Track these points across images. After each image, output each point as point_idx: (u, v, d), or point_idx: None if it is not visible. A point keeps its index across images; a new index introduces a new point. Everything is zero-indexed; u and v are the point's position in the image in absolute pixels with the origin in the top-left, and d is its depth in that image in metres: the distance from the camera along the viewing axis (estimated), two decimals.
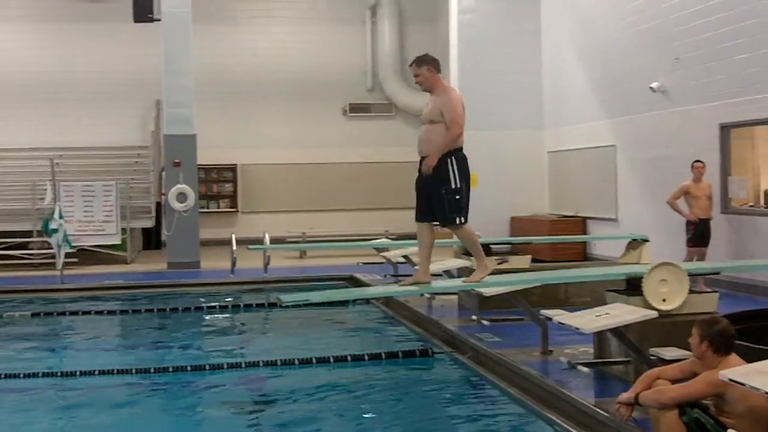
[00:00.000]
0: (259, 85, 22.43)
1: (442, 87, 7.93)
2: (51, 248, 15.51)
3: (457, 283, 9.38)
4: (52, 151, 19.42)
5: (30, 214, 17.99)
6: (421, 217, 7.90)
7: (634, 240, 11.00)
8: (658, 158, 14.20)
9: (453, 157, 7.63)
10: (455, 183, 7.59)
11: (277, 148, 22.16)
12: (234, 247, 14.92)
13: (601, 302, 7.36)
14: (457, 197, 7.60)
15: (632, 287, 7.24)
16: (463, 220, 7.66)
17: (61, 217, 14.65)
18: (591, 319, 6.60)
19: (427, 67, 7.89)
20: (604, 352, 7.41)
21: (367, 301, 12.32)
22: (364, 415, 6.97)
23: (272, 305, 12.41)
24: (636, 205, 14.91)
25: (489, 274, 7.86)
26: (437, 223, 7.85)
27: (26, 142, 20.94)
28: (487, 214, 17.40)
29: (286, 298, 8.00)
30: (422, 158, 7.80)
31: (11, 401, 7.57)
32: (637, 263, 10.11)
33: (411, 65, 8.00)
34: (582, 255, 16.53)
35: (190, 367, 8.56)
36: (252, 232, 19.19)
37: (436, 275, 11.38)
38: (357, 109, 22.72)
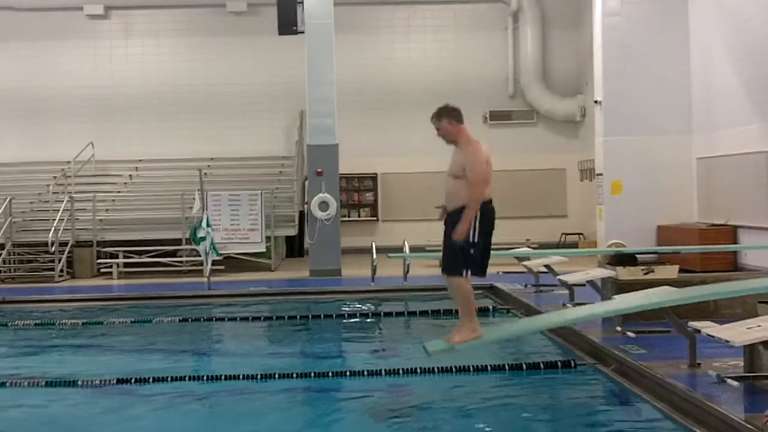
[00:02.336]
0: (399, 93, 22.60)
1: (465, 139, 7.75)
2: (199, 256, 16.01)
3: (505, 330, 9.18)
4: (200, 162, 20.14)
5: (179, 222, 18.63)
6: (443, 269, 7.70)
7: None
8: None
9: (477, 212, 7.44)
10: (473, 237, 7.40)
11: (417, 157, 22.25)
12: (374, 255, 15.03)
13: (753, 314, 7.08)
14: (471, 251, 7.41)
15: None
16: (468, 273, 7.45)
17: (208, 225, 15.08)
18: (742, 332, 6.36)
19: (447, 121, 7.77)
20: (755, 365, 7.11)
21: (507, 311, 12.22)
22: (505, 427, 6.88)
23: (411, 314, 12.44)
24: None
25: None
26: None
27: (176, 153, 21.79)
28: (634, 222, 17.04)
29: (431, 347, 7.92)
30: (448, 212, 7.61)
31: (159, 404, 7.81)
32: None
33: (432, 119, 7.82)
34: (733, 265, 15.92)
35: (331, 372, 8.67)
36: (392, 240, 19.30)
37: (578, 285, 11.25)
38: (498, 116, 22.61)
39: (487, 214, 7.55)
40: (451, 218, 7.64)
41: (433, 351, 7.85)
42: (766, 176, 14.92)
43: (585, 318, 9.29)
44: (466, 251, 7.45)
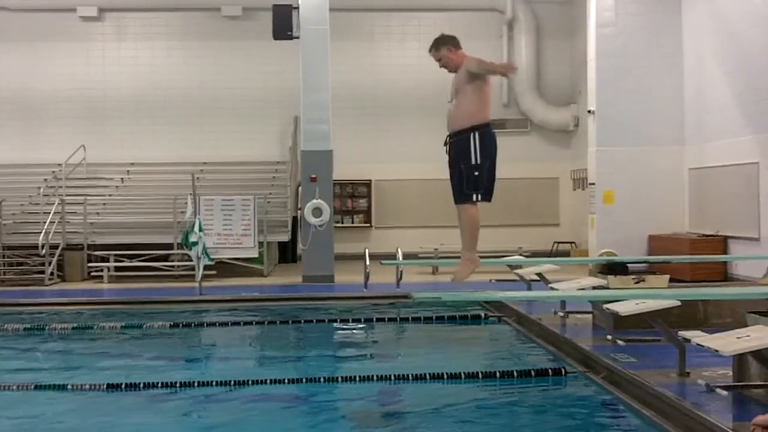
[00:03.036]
0: (394, 100, 22.65)
1: (465, 60, 7.73)
2: (191, 260, 15.99)
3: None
4: (193, 166, 20.13)
5: (171, 226, 18.60)
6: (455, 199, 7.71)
7: None
8: None
9: (476, 132, 7.46)
10: (475, 159, 7.40)
11: (411, 164, 22.32)
12: (367, 262, 15.00)
13: (742, 324, 7.11)
14: (476, 173, 7.41)
15: None
16: (479, 197, 7.44)
17: (201, 230, 15.06)
18: (731, 341, 6.38)
19: (446, 48, 7.79)
20: (744, 375, 7.14)
21: (499, 319, 12.24)
22: None
23: (404, 320, 12.46)
24: None
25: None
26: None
27: (169, 157, 21.78)
28: (625, 232, 17.11)
29: (418, 294, 8.00)
30: (450, 138, 7.60)
31: (150, 409, 7.80)
32: None
33: (430, 51, 7.82)
34: (723, 275, 16.00)
35: (323, 378, 8.68)
36: (385, 247, 19.31)
37: None
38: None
39: (487, 136, 7.55)
40: (455, 142, 7.62)
41: (418, 298, 7.89)
42: (756, 187, 15.00)
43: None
44: (472, 174, 7.44)
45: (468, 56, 7.90)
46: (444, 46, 7.80)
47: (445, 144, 7.83)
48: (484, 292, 10.32)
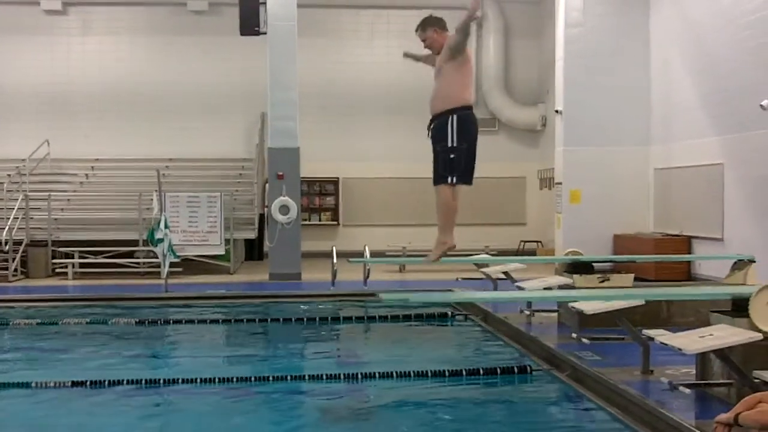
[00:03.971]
0: (362, 98, 22.63)
1: None
2: (156, 257, 15.89)
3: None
4: (158, 162, 19.98)
5: (137, 223, 18.45)
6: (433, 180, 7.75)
7: (740, 260, 10.71)
8: (767, 177, 13.79)
9: (455, 115, 7.50)
10: (452, 141, 7.45)
11: (379, 162, 22.33)
12: (335, 260, 15.03)
13: (705, 323, 7.19)
14: (452, 156, 7.46)
15: (738, 308, 7.05)
16: (454, 180, 7.48)
17: (166, 227, 14.96)
18: (694, 340, 6.45)
19: (432, 29, 7.84)
20: (707, 373, 7.22)
21: (465, 317, 12.28)
22: (460, 431, 6.92)
23: (371, 318, 12.47)
24: (743, 224, 14.51)
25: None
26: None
27: (134, 153, 21.61)
28: (591, 231, 17.22)
29: (386, 296, 8.04)
30: (432, 119, 7.60)
31: (115, 407, 7.76)
32: (743, 284, 9.83)
33: (417, 31, 7.86)
34: (686, 275, 16.16)
35: (289, 376, 8.67)
36: (353, 245, 19.34)
37: None
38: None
39: (466, 119, 7.57)
40: (434, 124, 7.63)
41: (386, 298, 7.92)
42: (720, 188, 15.16)
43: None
44: (448, 157, 7.46)
45: (446, 40, 7.92)
46: (431, 27, 7.85)
47: (428, 127, 7.87)
48: (451, 293, 10.37)
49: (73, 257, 18.04)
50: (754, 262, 10.54)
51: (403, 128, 22.17)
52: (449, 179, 7.51)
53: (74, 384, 8.32)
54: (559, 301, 10.09)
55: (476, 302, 11.90)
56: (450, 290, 13.41)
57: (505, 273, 12.77)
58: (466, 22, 7.43)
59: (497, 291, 12.46)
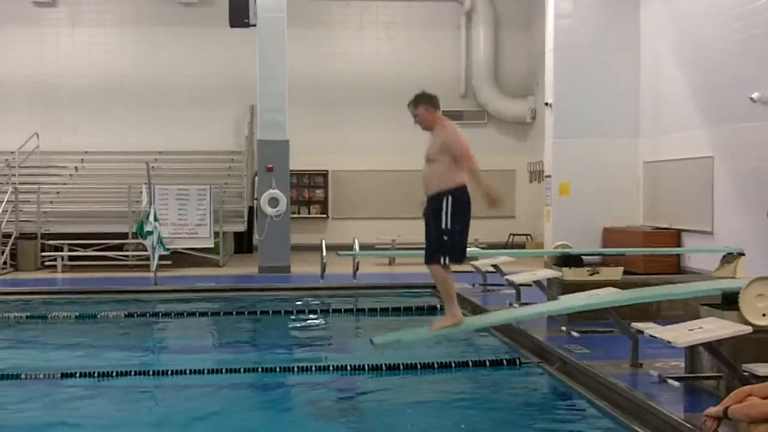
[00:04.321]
0: (351, 90, 22.58)
1: (441, 124, 7.87)
2: (145, 250, 15.85)
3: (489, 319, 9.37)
4: (148, 155, 19.89)
5: (126, 216, 18.37)
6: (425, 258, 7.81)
7: (729, 253, 10.74)
8: (757, 170, 13.80)
9: (450, 196, 7.55)
10: (446, 224, 7.49)
11: (368, 155, 22.30)
12: (324, 253, 15.01)
13: (695, 316, 7.18)
14: (446, 238, 7.50)
15: (728, 301, 7.05)
16: (446, 261, 7.52)
17: (156, 219, 14.93)
18: (683, 333, 6.45)
19: (424, 107, 7.90)
20: (696, 366, 7.22)
21: None
22: (450, 423, 6.92)
23: (360, 311, 12.46)
24: (732, 217, 14.53)
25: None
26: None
27: (124, 146, 21.53)
28: (580, 224, 17.20)
29: (378, 339, 8.08)
30: (426, 199, 7.69)
31: (104, 399, 7.74)
32: (733, 277, 9.85)
33: (409, 106, 7.89)
34: (676, 267, 16.18)
35: (279, 368, 8.67)
36: (342, 238, 19.30)
37: (525, 285, 11.37)
38: (449, 115, 22.18)
39: (460, 200, 7.60)
40: (430, 204, 7.67)
41: (378, 343, 7.94)
42: (710, 181, 15.17)
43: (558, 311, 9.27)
44: (440, 239, 7.49)
45: (447, 124, 7.90)
46: (422, 104, 7.89)
47: (422, 205, 7.92)
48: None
49: (62, 250, 17.98)
50: (744, 255, 10.56)
51: (393, 120, 22.09)
52: (442, 260, 7.55)
53: (64, 375, 8.31)
54: (552, 314, 9.99)
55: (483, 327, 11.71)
56: (437, 295, 13.30)
57: (494, 266, 12.78)
58: (479, 179, 7.67)
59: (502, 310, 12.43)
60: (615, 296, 8.50)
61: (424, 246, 7.81)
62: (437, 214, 7.64)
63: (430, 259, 7.67)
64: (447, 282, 7.76)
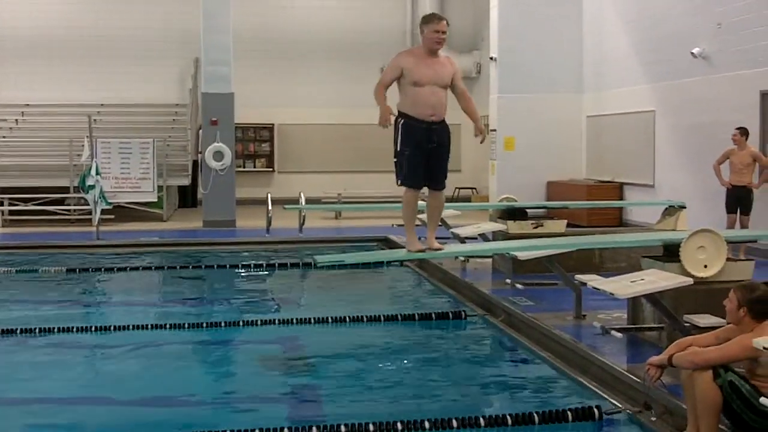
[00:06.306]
0: (298, 44, 22.37)
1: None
2: (88, 204, 15.64)
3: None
4: (90, 108, 19.53)
5: (67, 170, 18.08)
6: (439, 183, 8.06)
7: (671, 206, 10.89)
8: (697, 125, 14.01)
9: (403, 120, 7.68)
10: (397, 145, 7.62)
11: (314, 108, 22.15)
12: (270, 207, 14.95)
13: (637, 268, 7.29)
14: (395, 160, 7.59)
15: (669, 253, 7.17)
16: (399, 182, 7.62)
17: (98, 173, 14.74)
18: (626, 285, 6.54)
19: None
20: (638, 318, 7.36)
21: (401, 263, 12.33)
22: (395, 375, 6.98)
23: (307, 265, 12.45)
24: (673, 171, 14.75)
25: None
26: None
27: (64, 98, 21.10)
28: (525, 178, 17.33)
29: (321, 258, 8.05)
30: (434, 124, 7.77)
31: (46, 355, 7.66)
32: (674, 230, 10.01)
33: (445, 21, 7.92)
34: (618, 221, 16.43)
35: (224, 323, 8.64)
36: (288, 192, 19.21)
37: (471, 239, 11.44)
38: None
39: (414, 128, 7.62)
40: (444, 128, 8.07)
41: (321, 261, 7.98)
42: (652, 135, 15.37)
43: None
44: (396, 160, 7.54)
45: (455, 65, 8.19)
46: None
47: (425, 126, 7.88)
48: (384, 252, 10.29)
49: (2, 204, 17.67)
50: (685, 208, 10.72)
51: (340, 74, 22.04)
52: (397, 181, 7.76)
53: (4, 332, 8.20)
54: (494, 253, 10.12)
55: (404, 260, 11.82)
56: (383, 248, 13.42)
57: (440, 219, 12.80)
58: (476, 118, 8.31)
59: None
60: (557, 242, 8.59)
61: (401, 175, 7.72)
62: (449, 139, 8.10)
63: (443, 181, 7.93)
64: (406, 206, 7.89)
